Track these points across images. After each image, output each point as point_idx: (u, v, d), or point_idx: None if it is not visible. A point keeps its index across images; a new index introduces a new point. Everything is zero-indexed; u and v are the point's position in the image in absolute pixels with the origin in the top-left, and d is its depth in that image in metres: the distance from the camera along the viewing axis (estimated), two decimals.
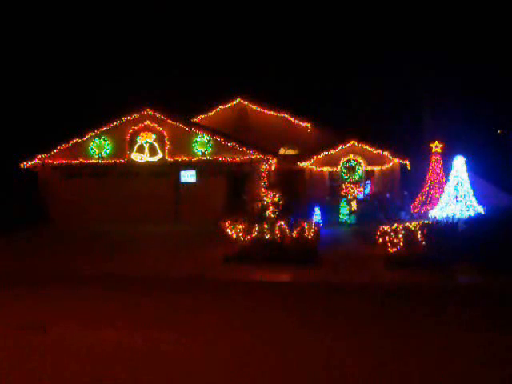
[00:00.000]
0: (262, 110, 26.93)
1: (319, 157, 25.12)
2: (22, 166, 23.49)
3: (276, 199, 15.07)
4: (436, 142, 21.98)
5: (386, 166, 24.92)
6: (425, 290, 10.53)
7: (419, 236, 12.93)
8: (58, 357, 6.46)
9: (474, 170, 19.95)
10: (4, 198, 24.03)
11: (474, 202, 18.04)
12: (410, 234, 13.03)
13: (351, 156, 24.79)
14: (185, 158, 23.18)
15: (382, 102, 35.73)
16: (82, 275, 12.16)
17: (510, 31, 37.57)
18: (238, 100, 27.09)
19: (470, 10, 38.16)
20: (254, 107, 26.99)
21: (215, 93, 29.13)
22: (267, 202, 15.07)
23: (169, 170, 23.21)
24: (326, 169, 25.26)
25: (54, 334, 7.42)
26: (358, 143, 24.83)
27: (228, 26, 46.25)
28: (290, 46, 46.48)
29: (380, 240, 13.25)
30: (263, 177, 22.71)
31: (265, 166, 22.90)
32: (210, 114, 27.26)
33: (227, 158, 22.92)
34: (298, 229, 13.80)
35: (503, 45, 35.61)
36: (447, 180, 19.23)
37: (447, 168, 19.80)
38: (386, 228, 13.26)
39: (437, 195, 20.55)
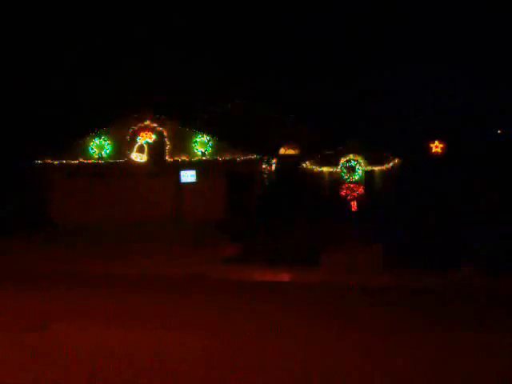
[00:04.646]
0: (261, 110, 26.92)
1: (319, 157, 25.12)
2: (22, 165, 23.46)
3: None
4: (436, 141, 21.97)
5: (386, 166, 24.91)
6: (424, 290, 10.54)
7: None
8: (57, 356, 6.46)
9: None
10: (4, 198, 24.03)
11: None
12: None
13: (351, 156, 24.79)
14: (185, 158, 23.17)
15: (382, 102, 35.71)
16: (83, 274, 12.16)
17: (510, 30, 37.60)
18: (237, 100, 27.08)
19: (470, 10, 38.20)
20: (254, 107, 26.98)
21: (215, 93, 29.11)
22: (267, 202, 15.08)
23: (169, 170, 23.20)
24: (325, 169, 25.25)
25: (53, 333, 7.42)
26: (358, 143, 24.83)
27: (228, 26, 46.27)
28: (290, 45, 46.48)
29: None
30: (263, 177, 22.72)
31: (265, 166, 22.90)
32: (210, 114, 27.25)
33: (227, 158, 22.92)
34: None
35: (503, 44, 35.64)
36: None
37: None
38: None
39: None
